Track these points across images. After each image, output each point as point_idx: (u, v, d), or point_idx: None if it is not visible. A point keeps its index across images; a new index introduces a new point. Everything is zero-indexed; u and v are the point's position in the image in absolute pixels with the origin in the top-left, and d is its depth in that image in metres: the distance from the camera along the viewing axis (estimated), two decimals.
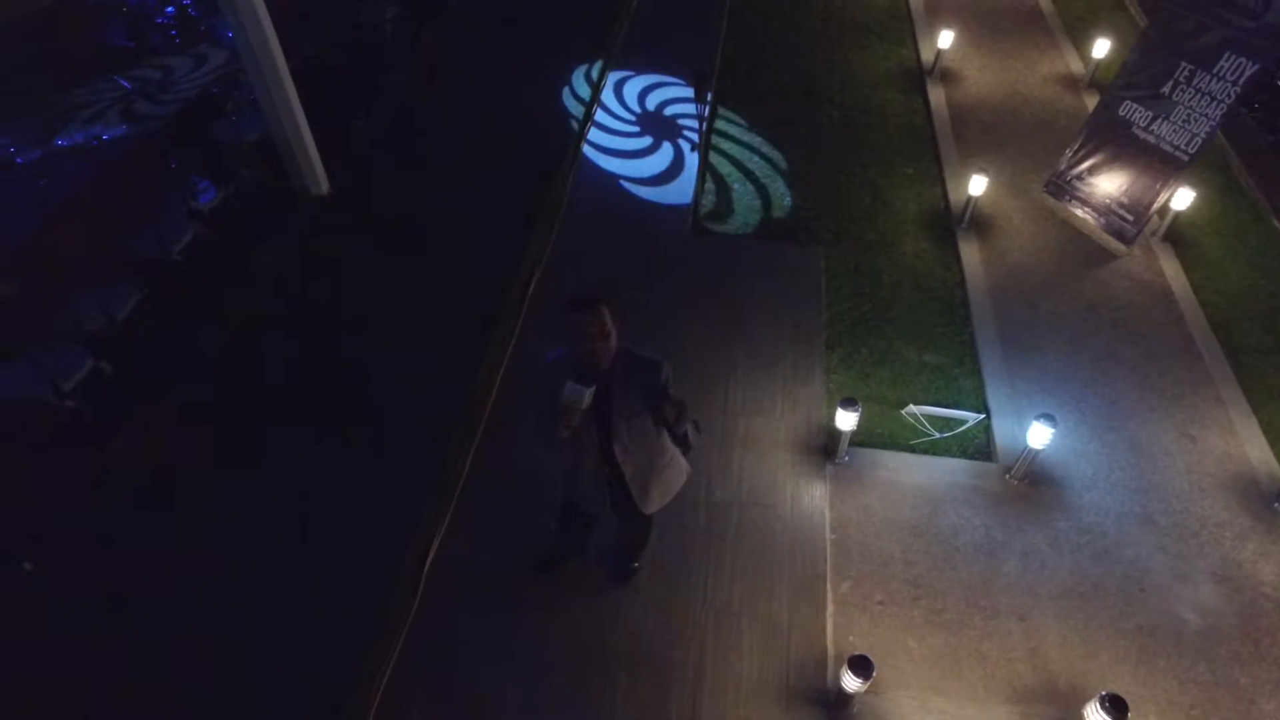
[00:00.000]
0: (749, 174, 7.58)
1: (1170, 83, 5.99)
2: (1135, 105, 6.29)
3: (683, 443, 3.35)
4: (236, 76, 7.93)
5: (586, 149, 7.77)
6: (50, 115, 7.39)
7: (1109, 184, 6.61)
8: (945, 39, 8.68)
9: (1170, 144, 6.12)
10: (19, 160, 6.63)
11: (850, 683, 3.63)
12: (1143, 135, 6.29)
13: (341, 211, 6.95)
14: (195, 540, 4.54)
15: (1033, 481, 4.95)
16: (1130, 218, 6.50)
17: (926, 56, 9.14)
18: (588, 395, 2.89)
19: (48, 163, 6.66)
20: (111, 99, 7.77)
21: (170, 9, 9.09)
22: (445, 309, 5.93)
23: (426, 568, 4.44)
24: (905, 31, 9.82)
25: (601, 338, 2.91)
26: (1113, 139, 6.52)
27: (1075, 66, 9.02)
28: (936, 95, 8.56)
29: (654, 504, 3.57)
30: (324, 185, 7.06)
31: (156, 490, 4.81)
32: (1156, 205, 6.39)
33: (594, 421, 3.16)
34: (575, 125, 8.03)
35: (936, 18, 9.81)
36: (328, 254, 6.51)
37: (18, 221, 5.99)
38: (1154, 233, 6.77)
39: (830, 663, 4.10)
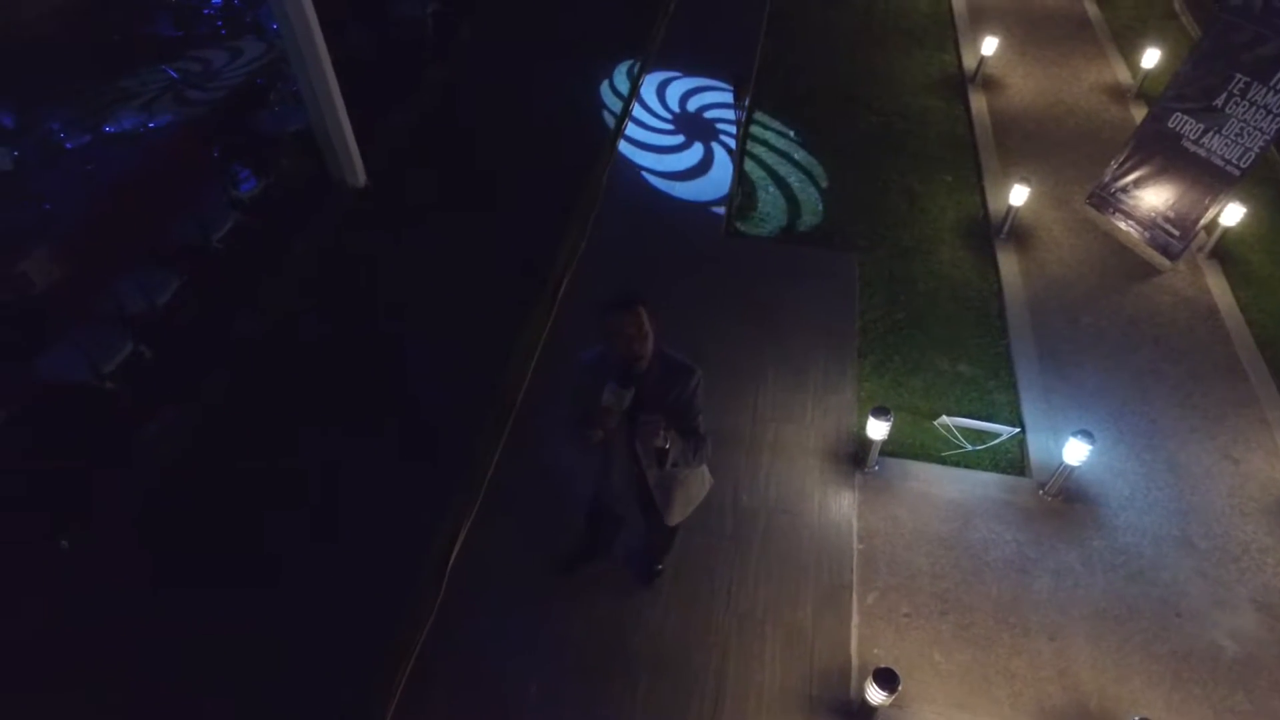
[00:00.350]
0: (784, 177, 7.52)
1: (1224, 95, 5.84)
2: (1186, 117, 6.13)
3: (660, 460, 3.13)
4: (280, 67, 8.05)
5: (622, 147, 7.77)
6: (99, 103, 7.55)
7: (1155, 197, 6.46)
8: (989, 45, 8.55)
9: (1221, 158, 5.96)
10: (68, 146, 6.78)
11: (875, 695, 3.58)
12: (1192, 148, 6.14)
13: (378, 204, 7.02)
14: (224, 525, 4.61)
15: (1067, 498, 4.85)
16: (1176, 232, 6.35)
17: (969, 63, 9.01)
18: (628, 398, 2.88)
19: (95, 149, 6.80)
20: (159, 88, 7.92)
21: (217, 0, 9.25)
22: (478, 303, 5.96)
23: (452, 560, 4.46)
24: (948, 37, 9.70)
25: (639, 339, 2.89)
26: (1161, 151, 6.37)
27: (1123, 76, 8.84)
28: (978, 102, 8.44)
29: (676, 515, 3.54)
30: (361, 177, 7.12)
31: (188, 474, 4.89)
32: (1204, 220, 6.24)
33: (625, 422, 3.14)
34: (611, 123, 8.03)
35: (980, 24, 9.68)
36: (363, 246, 6.57)
37: (65, 205, 6.12)
38: (1201, 248, 6.61)
39: (854, 674, 4.04)
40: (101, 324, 5.30)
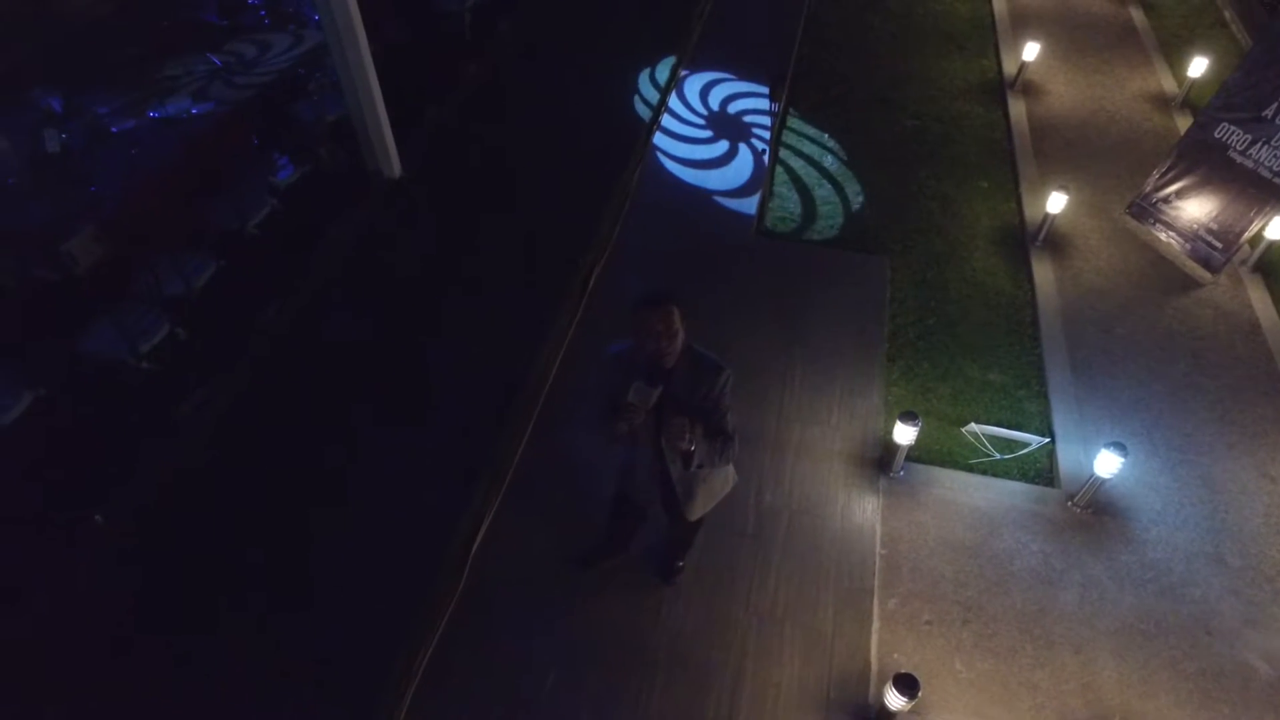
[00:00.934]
0: (817, 179, 7.48)
1: (1274, 105, 5.69)
2: (1233, 127, 6.00)
3: (685, 462, 3.15)
4: (320, 58, 8.15)
5: (655, 144, 7.77)
6: (144, 88, 7.70)
7: (1198, 209, 6.32)
8: (1030, 51, 8.43)
9: (1269, 169, 5.82)
10: (113, 129, 6.93)
11: (894, 701, 3.55)
12: (1239, 159, 5.99)
13: (412, 195, 7.09)
14: (248, 505, 4.68)
15: (1097, 511, 4.76)
16: (1219, 245, 6.21)
17: (1009, 68, 8.89)
18: (654, 395, 2.88)
19: (139, 133, 6.94)
20: (202, 75, 8.06)
21: None
22: (508, 295, 6.00)
23: (474, 550, 4.49)
24: (988, 42, 9.57)
25: (669, 337, 2.87)
26: (1206, 162, 6.24)
27: (1168, 85, 8.66)
28: (1017, 108, 8.32)
29: (697, 510, 3.54)
30: (396, 169, 7.20)
31: (218, 456, 4.98)
32: (1249, 233, 6.09)
33: (652, 417, 3.14)
34: (645, 120, 8.04)
35: (1022, 29, 9.54)
36: (395, 236, 6.65)
37: (109, 187, 6.25)
38: (1243, 262, 6.46)
39: (873, 679, 4.01)
40: (140, 305, 5.41)
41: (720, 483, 3.57)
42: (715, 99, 8.45)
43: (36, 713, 3.86)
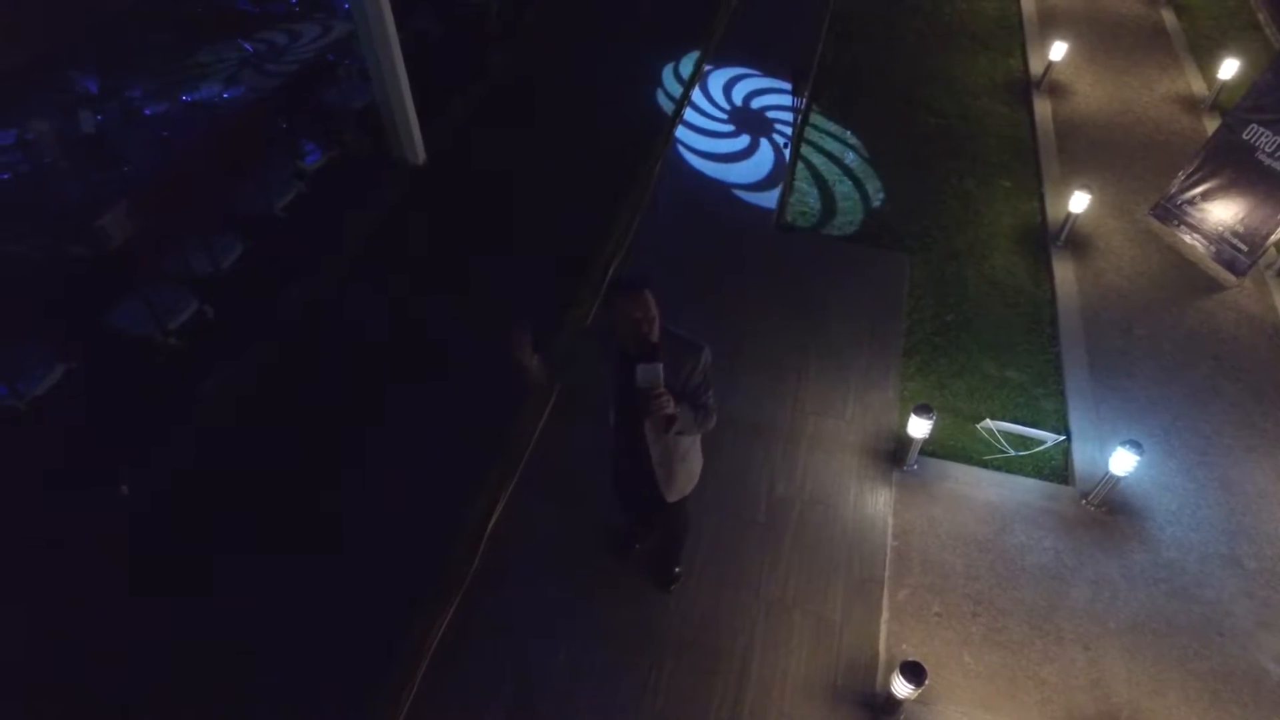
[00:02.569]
0: (839, 174, 7.48)
1: None
2: (1262, 129, 5.93)
3: (667, 427, 3.10)
4: (348, 46, 8.26)
5: (676, 137, 7.80)
6: (177, 72, 7.85)
7: (1224, 211, 6.26)
8: (1058, 51, 8.36)
9: None
10: (146, 112, 7.08)
11: (901, 688, 3.57)
12: (1267, 161, 5.93)
13: (435, 183, 7.17)
14: (269, 479, 4.79)
15: (1111, 509, 4.75)
16: (1244, 248, 6.15)
17: (1035, 68, 8.83)
18: (660, 371, 2.85)
19: (172, 116, 7.08)
20: (234, 61, 8.20)
21: None
22: (526, 284, 6.07)
23: (489, 527, 4.56)
24: (1014, 41, 9.51)
25: (647, 321, 2.91)
26: (1232, 164, 6.17)
27: (1197, 87, 8.56)
28: (1043, 108, 8.27)
29: (675, 491, 3.51)
30: (421, 156, 7.29)
31: (239, 432, 5.09)
32: (1275, 237, 6.02)
33: (628, 402, 3.10)
34: (667, 113, 8.07)
35: (1050, 29, 9.47)
36: (418, 223, 6.73)
37: (142, 168, 6.39)
38: (1269, 265, 6.39)
39: (881, 668, 4.03)
40: (169, 282, 5.53)
41: (694, 461, 3.53)
42: (738, 93, 8.47)
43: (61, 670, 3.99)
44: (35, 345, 5.10)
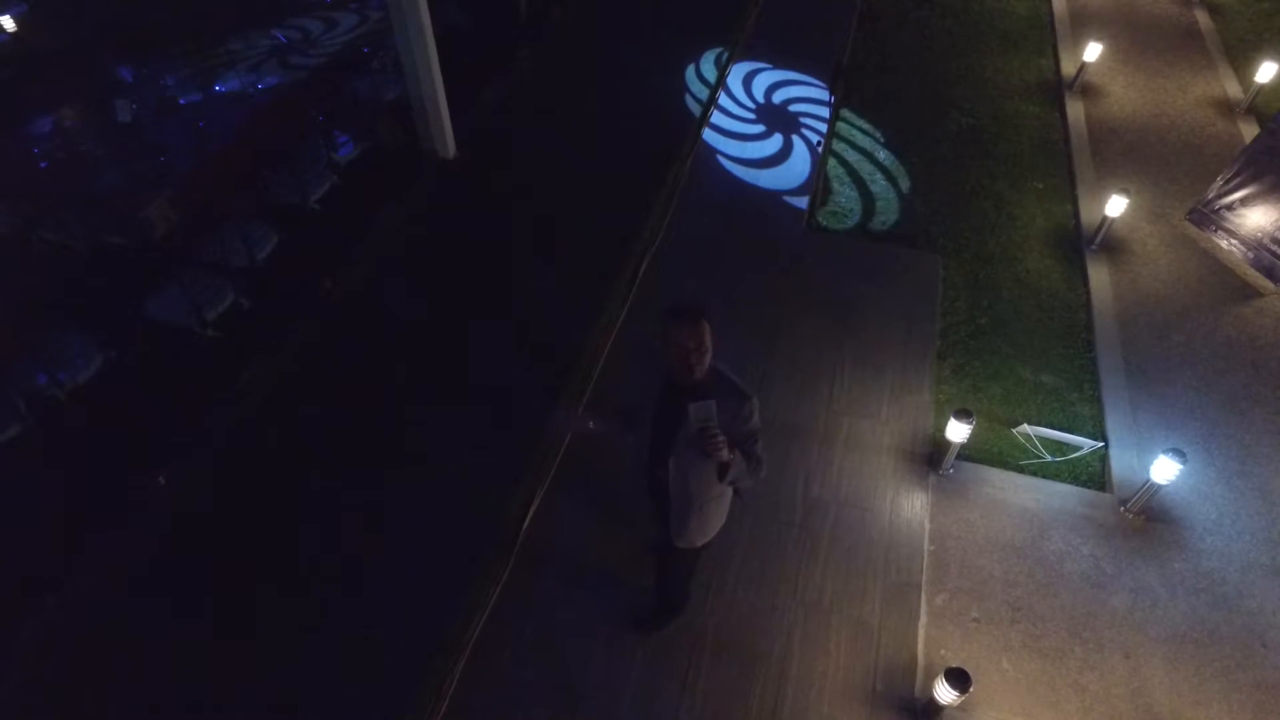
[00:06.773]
0: (870, 175, 7.44)
1: None
2: None
3: (723, 474, 2.99)
4: (381, 37, 8.26)
5: (706, 136, 7.77)
6: (211, 63, 7.87)
7: (1263, 217, 6.20)
8: (1091, 52, 8.28)
9: None
10: (181, 102, 7.10)
11: (944, 694, 3.56)
12: None
13: (465, 177, 7.17)
14: (305, 474, 4.81)
15: (1150, 517, 4.72)
16: None
17: (1068, 69, 8.75)
18: (714, 409, 2.67)
19: (206, 106, 7.10)
20: (267, 51, 8.22)
21: None
22: (556, 279, 6.07)
23: (525, 525, 4.57)
24: (1046, 42, 9.43)
25: (698, 352, 2.72)
26: (1272, 169, 6.10)
27: (1233, 90, 8.47)
28: (1075, 110, 8.19)
29: (686, 539, 3.30)
30: (451, 149, 7.29)
31: (275, 425, 5.11)
32: None
33: (658, 432, 3.01)
34: (696, 111, 8.05)
35: (1082, 29, 9.38)
36: (449, 216, 6.73)
37: (177, 158, 6.42)
38: None
39: (919, 673, 4.02)
40: (207, 272, 5.56)
41: (716, 518, 3.32)
42: (767, 91, 8.43)
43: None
44: (76, 334, 5.13)
